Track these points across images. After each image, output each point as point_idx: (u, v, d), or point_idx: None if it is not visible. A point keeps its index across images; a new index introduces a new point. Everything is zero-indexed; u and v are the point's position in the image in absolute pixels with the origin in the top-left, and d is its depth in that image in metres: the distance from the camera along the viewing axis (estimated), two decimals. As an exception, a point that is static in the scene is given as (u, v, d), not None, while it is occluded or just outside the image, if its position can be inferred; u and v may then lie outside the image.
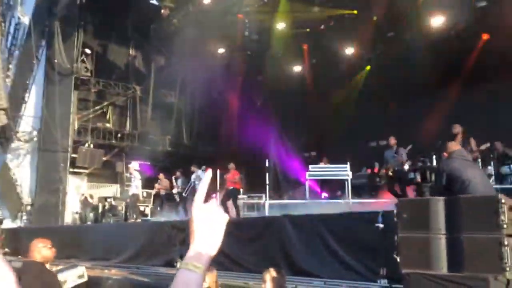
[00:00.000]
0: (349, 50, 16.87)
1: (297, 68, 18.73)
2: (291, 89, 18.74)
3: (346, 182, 12.02)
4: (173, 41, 19.52)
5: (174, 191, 12.97)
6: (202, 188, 1.19)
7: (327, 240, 7.46)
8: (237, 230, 8.61)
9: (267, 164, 13.18)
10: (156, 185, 13.79)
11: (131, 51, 20.47)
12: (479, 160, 9.44)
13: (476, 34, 13.94)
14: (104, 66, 19.55)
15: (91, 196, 16.78)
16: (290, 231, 7.95)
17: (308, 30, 17.32)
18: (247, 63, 19.70)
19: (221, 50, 19.36)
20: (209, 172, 1.23)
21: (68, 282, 6.87)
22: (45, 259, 4.01)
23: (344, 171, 12.21)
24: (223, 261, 8.44)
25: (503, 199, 3.84)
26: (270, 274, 5.92)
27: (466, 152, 5.53)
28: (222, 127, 20.18)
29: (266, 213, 12.16)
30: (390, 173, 9.59)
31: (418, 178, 7.16)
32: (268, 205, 12.53)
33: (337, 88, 17.58)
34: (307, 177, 12.43)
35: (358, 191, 12.45)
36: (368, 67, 16.71)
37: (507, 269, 3.68)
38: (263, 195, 13.15)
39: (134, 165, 13.01)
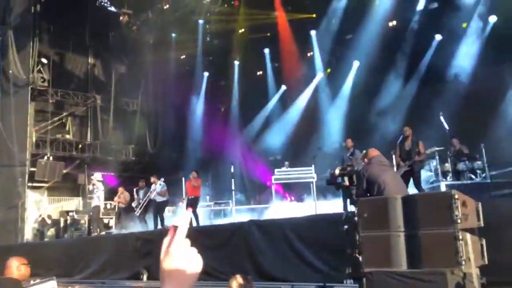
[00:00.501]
0: (310, 53, 17.12)
1: (259, 72, 18.82)
2: (254, 93, 18.82)
3: (311, 185, 12.14)
4: (133, 48, 19.26)
5: (134, 203, 12.72)
6: (178, 234, 1.05)
7: (293, 244, 7.49)
8: (202, 238, 8.52)
9: (232, 170, 13.14)
10: (116, 198, 13.48)
11: (90, 60, 20.00)
12: (424, 162, 9.68)
13: (428, 34, 14.42)
14: (62, 75, 18.99)
15: (49, 217, 16.20)
16: (256, 237, 7.94)
17: (268, 34, 17.47)
18: (209, 69, 19.65)
19: (182, 56, 19.23)
20: (189, 213, 1.12)
21: None
22: (22, 277, 4.12)
23: (309, 174, 12.33)
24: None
25: (456, 194, 3.94)
26: (237, 281, 5.88)
27: (383, 157, 5.88)
28: (187, 134, 19.99)
29: (233, 219, 12.12)
30: (337, 173, 9.66)
31: (346, 182, 7.41)
32: (235, 211, 12.50)
33: (299, 91, 17.75)
34: (273, 181, 12.46)
35: (323, 192, 12.58)
36: (328, 70, 16.98)
37: (463, 262, 3.77)
38: (230, 201, 13.09)
39: (97, 176, 12.68)
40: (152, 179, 12.31)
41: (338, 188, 9.28)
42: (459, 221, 3.87)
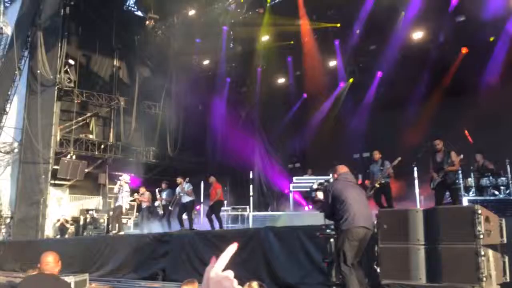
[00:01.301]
0: (333, 63, 17.09)
1: (281, 80, 18.86)
2: (275, 101, 18.85)
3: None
4: (158, 52, 19.56)
5: (157, 203, 12.80)
6: (224, 258, 1.18)
7: (310, 252, 7.47)
8: (219, 242, 8.56)
9: (251, 176, 13.16)
10: (136, 195, 13.62)
11: (115, 62, 20.38)
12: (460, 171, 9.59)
13: (455, 48, 14.25)
14: (87, 77, 19.41)
15: (67, 221, 16.48)
16: (273, 243, 7.94)
17: (292, 42, 17.51)
18: (232, 75, 19.79)
19: (206, 62, 19.42)
20: (234, 246, 1.21)
21: None
22: (58, 272, 4.28)
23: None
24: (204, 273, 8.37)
25: (480, 209, 3.89)
26: (252, 286, 5.89)
27: (350, 175, 6.05)
28: (207, 139, 20.14)
29: (250, 225, 12.13)
30: (377, 185, 9.65)
31: (318, 196, 7.47)
32: (252, 217, 12.50)
33: (320, 100, 17.71)
34: (291, 188, 12.45)
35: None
36: (351, 80, 16.90)
37: (484, 279, 3.71)
38: (247, 207, 13.11)
39: (125, 177, 12.62)
40: (179, 179, 12.40)
41: (312, 202, 9.21)
42: (481, 236, 3.82)
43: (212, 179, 12.18)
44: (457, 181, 9.44)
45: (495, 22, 12.92)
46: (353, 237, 5.28)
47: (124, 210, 12.64)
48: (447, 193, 9.20)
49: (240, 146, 17.42)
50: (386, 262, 4.21)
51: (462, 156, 9.06)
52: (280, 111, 18.88)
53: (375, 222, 4.74)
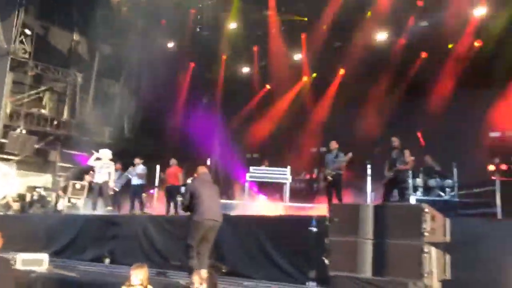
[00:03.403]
0: (298, 56, 17.19)
1: (246, 69, 18.78)
2: (238, 89, 18.76)
3: (284, 186, 12.21)
4: (121, 30, 18.92)
5: (110, 184, 12.39)
6: None
7: (261, 242, 7.52)
8: (170, 227, 8.46)
9: (208, 162, 13.08)
10: (87, 177, 13.19)
11: (75, 36, 19.57)
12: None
13: (415, 51, 14.67)
14: (44, 49, 18.51)
15: (14, 200, 15.73)
16: (225, 231, 7.91)
17: (258, 32, 17.43)
18: (196, 59, 19.48)
19: (170, 44, 19.00)
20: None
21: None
22: None
23: (284, 175, 12.39)
24: (155, 258, 8.27)
25: (426, 208, 4.03)
26: (200, 275, 5.87)
27: (208, 175, 7.01)
28: (166, 122, 19.78)
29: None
30: (330, 178, 9.83)
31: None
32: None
33: (283, 93, 17.80)
34: (247, 178, 12.47)
35: (295, 195, 12.67)
36: (314, 74, 17.08)
37: (425, 275, 3.86)
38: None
39: (107, 153, 11.84)
40: (137, 160, 12.11)
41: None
42: (426, 234, 3.95)
43: (173, 161, 12.01)
44: (407, 179, 9.79)
45: (455, 30, 13.40)
46: (201, 226, 6.43)
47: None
48: (395, 190, 9.54)
49: (199, 131, 17.27)
50: (335, 254, 4.29)
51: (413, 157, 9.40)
52: (242, 100, 18.82)
53: (327, 216, 4.81)
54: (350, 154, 9.83)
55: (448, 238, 4.55)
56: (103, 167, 11.30)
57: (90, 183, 12.76)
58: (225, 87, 18.86)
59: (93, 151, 11.73)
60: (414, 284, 3.90)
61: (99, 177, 11.31)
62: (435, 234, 4.17)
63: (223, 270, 7.21)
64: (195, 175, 7.00)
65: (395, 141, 9.59)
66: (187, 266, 6.45)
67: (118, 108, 19.43)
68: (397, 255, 4.01)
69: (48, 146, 18.14)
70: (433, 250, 4.09)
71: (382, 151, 10.10)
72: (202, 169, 6.99)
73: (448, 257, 4.51)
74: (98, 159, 11.42)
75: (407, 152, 9.38)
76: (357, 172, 11.15)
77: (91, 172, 12.78)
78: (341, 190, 9.85)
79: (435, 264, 4.11)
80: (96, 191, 11.35)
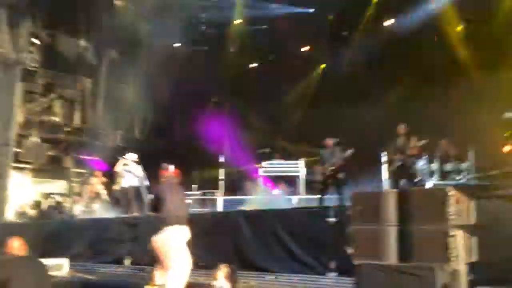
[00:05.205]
0: (305, 48, 17.09)
1: (254, 65, 18.72)
2: (247, 85, 18.69)
3: (298, 179, 12.15)
4: (127, 33, 18.96)
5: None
6: None
7: (280, 235, 7.50)
8: (189, 225, 8.43)
9: (220, 160, 13.08)
10: (94, 179, 13.16)
11: (82, 42, 19.65)
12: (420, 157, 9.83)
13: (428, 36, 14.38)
14: (52, 57, 18.61)
15: (31, 207, 15.85)
16: (243, 226, 7.91)
17: (265, 26, 17.37)
18: (204, 58, 19.45)
19: (177, 44, 19.02)
20: None
21: None
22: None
23: (296, 168, 12.33)
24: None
25: (451, 191, 3.93)
26: (222, 270, 5.87)
27: (173, 177, 6.92)
28: (177, 122, 19.81)
29: (220, 209, 12.07)
30: (329, 172, 9.63)
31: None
32: (221, 200, 12.45)
33: (293, 86, 17.71)
34: (260, 173, 12.46)
35: (310, 187, 12.56)
36: (323, 66, 16.95)
37: (452, 258, 3.78)
38: (217, 191, 13.04)
39: (132, 156, 11.78)
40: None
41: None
42: (451, 217, 3.87)
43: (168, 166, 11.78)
44: (414, 166, 9.67)
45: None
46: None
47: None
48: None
49: (210, 130, 17.28)
50: (358, 243, 4.22)
51: (423, 142, 9.28)
52: (253, 96, 18.75)
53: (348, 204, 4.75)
54: (349, 151, 9.58)
55: (473, 220, 4.45)
56: (131, 171, 11.30)
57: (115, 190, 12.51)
58: (234, 84, 18.83)
59: (120, 157, 11.71)
60: (441, 268, 3.82)
61: (127, 181, 11.31)
62: (460, 217, 4.08)
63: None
64: (162, 179, 6.91)
65: (402, 129, 9.49)
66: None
67: (128, 111, 19.50)
68: (423, 240, 3.93)
69: (62, 152, 18.29)
70: (459, 233, 4.00)
71: (391, 139, 9.96)
72: (168, 173, 6.97)
73: (474, 239, 4.41)
74: (125, 164, 11.39)
75: (413, 139, 9.30)
76: (369, 162, 10.93)
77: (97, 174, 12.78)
78: (340, 186, 9.53)
79: (461, 247, 4.02)
80: (132, 194, 11.26)
